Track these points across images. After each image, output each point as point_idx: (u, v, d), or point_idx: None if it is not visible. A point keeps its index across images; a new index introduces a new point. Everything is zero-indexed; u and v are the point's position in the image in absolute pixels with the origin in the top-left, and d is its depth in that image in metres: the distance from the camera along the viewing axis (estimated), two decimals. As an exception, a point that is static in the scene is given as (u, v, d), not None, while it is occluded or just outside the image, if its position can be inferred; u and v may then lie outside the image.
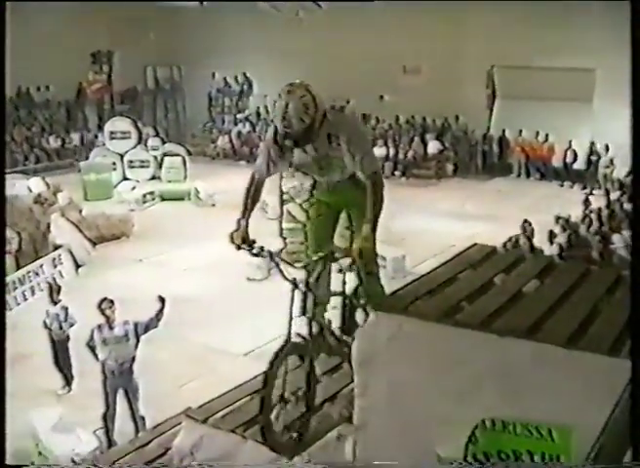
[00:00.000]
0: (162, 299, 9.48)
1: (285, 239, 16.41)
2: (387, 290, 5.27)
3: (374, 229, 4.93)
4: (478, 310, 4.55)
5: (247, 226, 5.14)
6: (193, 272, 15.46)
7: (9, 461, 4.46)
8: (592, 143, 22.91)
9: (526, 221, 13.62)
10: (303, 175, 5.53)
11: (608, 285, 5.24)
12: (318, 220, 5.62)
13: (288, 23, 25.28)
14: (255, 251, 5.19)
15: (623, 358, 4.01)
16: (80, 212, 17.98)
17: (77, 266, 15.80)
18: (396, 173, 24.37)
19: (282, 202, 16.54)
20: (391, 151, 24.77)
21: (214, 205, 20.79)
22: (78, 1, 24.82)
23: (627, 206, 17.04)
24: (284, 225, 16.48)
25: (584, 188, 21.93)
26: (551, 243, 13.19)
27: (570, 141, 23.20)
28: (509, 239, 13.09)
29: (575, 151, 23.11)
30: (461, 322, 4.35)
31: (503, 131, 24.95)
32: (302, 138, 4.80)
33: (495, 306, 4.60)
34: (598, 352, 4.12)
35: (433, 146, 24.80)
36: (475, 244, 5.77)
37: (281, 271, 5.11)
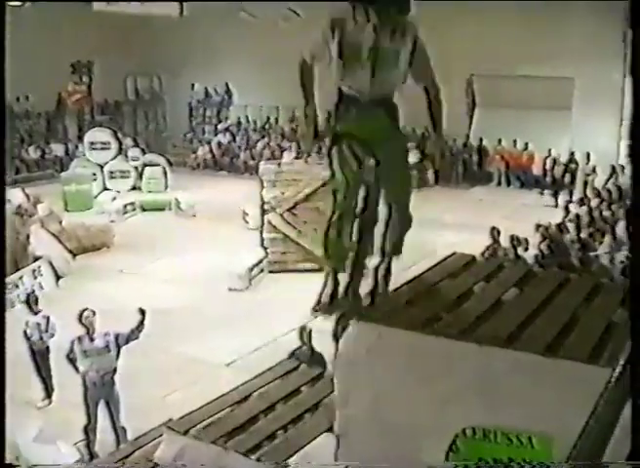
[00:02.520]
0: (142, 311, 9.47)
1: (266, 249, 16.43)
2: (366, 300, 5.22)
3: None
4: (458, 319, 4.57)
5: (315, 113, 4.89)
6: (175, 282, 15.41)
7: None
8: (572, 152, 23.01)
9: (494, 229, 13.59)
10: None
11: (586, 292, 5.28)
12: (349, 177, 4.97)
13: (267, 33, 25.29)
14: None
15: (602, 365, 4.03)
16: (60, 223, 17.90)
17: (57, 277, 15.71)
18: (377, 182, 24.40)
19: (263, 212, 16.55)
20: (372, 161, 24.81)
21: (194, 215, 20.75)
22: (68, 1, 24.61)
23: (607, 213, 17.14)
24: (265, 235, 16.49)
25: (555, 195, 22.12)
26: (515, 249, 13.22)
27: (550, 150, 23.31)
28: (487, 247, 13.13)
29: (554, 159, 23.22)
30: (441, 331, 4.37)
31: (481, 139, 25.07)
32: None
33: (474, 315, 4.62)
34: (577, 360, 4.15)
35: (414, 155, 24.80)
36: (454, 253, 5.80)
37: None
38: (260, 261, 16.22)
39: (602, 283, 5.62)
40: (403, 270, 5.43)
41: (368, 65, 4.78)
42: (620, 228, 16.02)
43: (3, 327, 4.67)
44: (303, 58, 4.89)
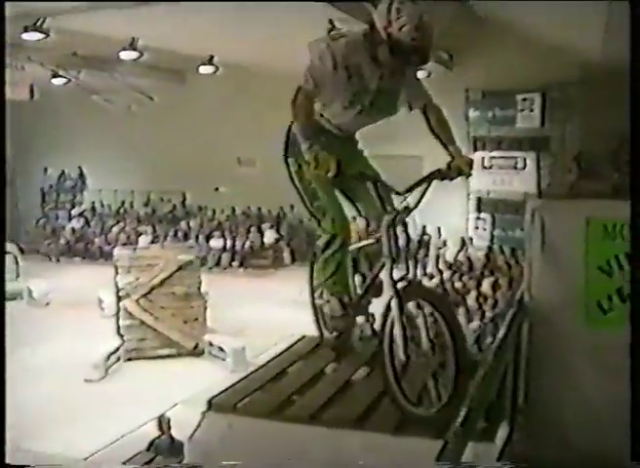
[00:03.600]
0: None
1: (123, 336, 16.12)
2: (227, 383, 5.19)
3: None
4: (308, 403, 4.61)
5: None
6: (27, 376, 14.84)
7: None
8: (424, 227, 23.66)
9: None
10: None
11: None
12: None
13: (120, 117, 25.20)
14: None
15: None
16: None
17: None
18: (234, 263, 24.43)
19: (118, 298, 16.28)
20: (228, 242, 24.87)
21: (48, 304, 20.17)
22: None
23: (458, 284, 17.71)
24: (121, 322, 16.19)
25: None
26: (371, 325, 13.44)
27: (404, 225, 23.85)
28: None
29: (407, 234, 23.77)
30: (292, 416, 4.40)
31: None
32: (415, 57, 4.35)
33: (325, 397, 4.67)
34: (425, 437, 4.23)
35: (270, 236, 25.05)
36: (304, 336, 5.87)
37: None
38: (117, 349, 15.89)
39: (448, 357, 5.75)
40: (254, 357, 5.45)
41: (362, 105, 4.61)
42: (472, 298, 16.58)
43: (3, 325, 4.51)
44: (305, 88, 4.42)
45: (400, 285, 4.49)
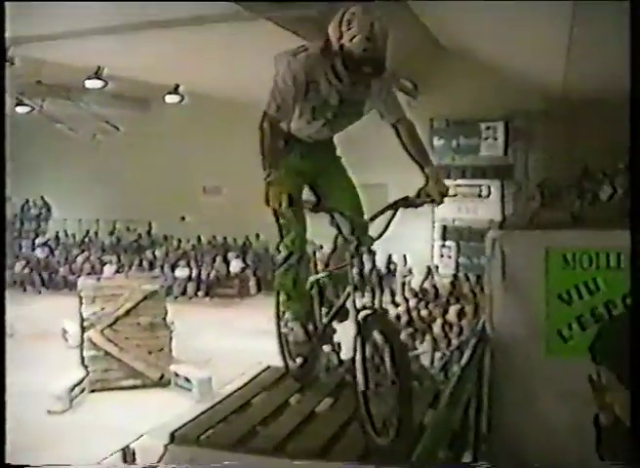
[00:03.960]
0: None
1: (87, 367, 15.96)
2: (193, 414, 5.13)
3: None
4: (272, 434, 4.58)
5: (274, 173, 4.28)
6: (-10, 408, 14.63)
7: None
8: (389, 255, 23.72)
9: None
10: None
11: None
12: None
13: (86, 146, 25.11)
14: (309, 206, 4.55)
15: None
16: None
17: None
18: (199, 293, 24.33)
19: (83, 329, 16.13)
20: (194, 272, 24.78)
21: (12, 335, 19.89)
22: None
23: (424, 312, 17.74)
24: (85, 353, 16.04)
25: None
26: (337, 355, 13.45)
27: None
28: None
29: (374, 263, 23.80)
30: (255, 448, 4.37)
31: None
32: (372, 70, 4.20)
33: (289, 429, 4.64)
34: (391, 465, 4.23)
35: (236, 265, 25.00)
36: (269, 366, 5.85)
37: None
38: (81, 381, 15.72)
39: (413, 387, 5.75)
40: (220, 387, 5.42)
41: (326, 118, 4.57)
42: (438, 326, 16.61)
43: (3, 324, 4.45)
44: (270, 114, 4.37)
45: (363, 313, 4.38)
